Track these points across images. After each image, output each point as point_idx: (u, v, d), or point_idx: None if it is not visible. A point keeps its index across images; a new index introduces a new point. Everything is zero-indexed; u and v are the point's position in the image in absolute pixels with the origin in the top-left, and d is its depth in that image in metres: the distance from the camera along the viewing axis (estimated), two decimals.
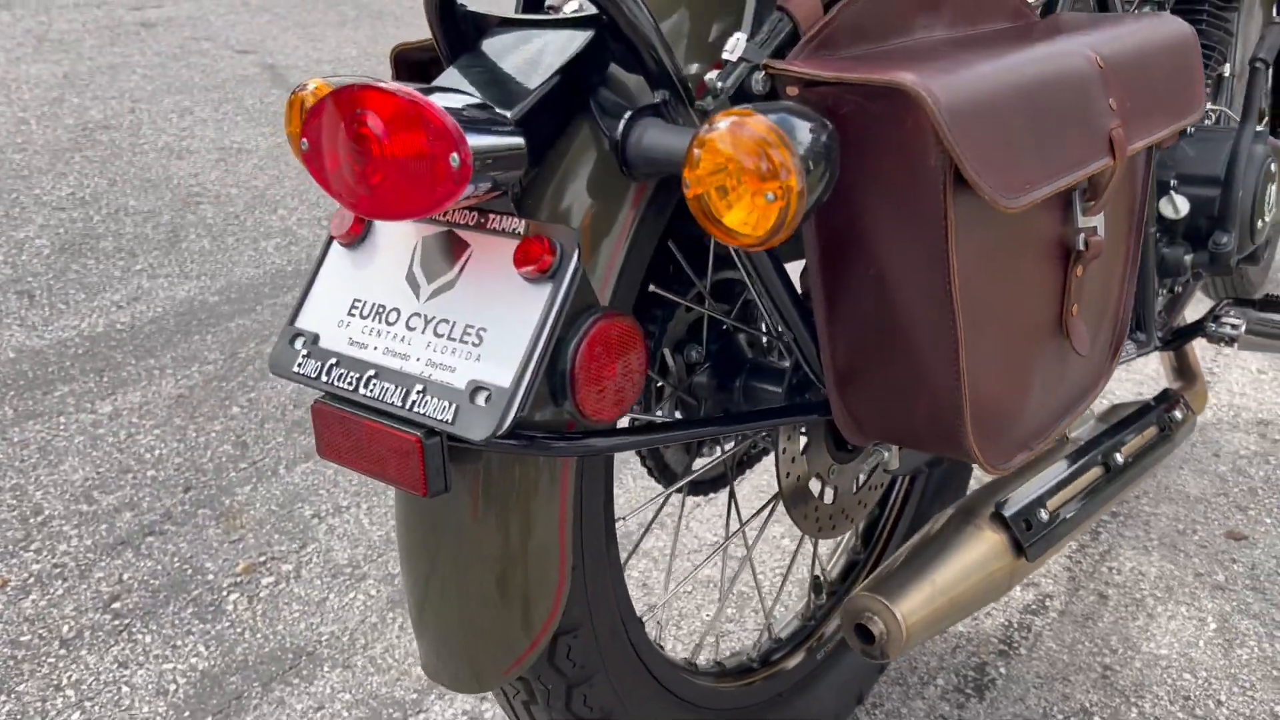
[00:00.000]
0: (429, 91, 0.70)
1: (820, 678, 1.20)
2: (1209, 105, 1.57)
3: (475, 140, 0.64)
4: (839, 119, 0.75)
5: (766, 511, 1.14)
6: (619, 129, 0.71)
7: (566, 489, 0.78)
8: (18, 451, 1.64)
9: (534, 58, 0.74)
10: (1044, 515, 1.09)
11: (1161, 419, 1.29)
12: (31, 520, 1.51)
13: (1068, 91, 0.81)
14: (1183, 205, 1.32)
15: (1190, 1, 1.61)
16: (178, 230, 2.39)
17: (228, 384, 1.84)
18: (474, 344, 0.69)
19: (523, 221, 0.70)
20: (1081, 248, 0.88)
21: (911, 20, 0.88)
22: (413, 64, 0.99)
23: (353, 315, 0.76)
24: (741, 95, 0.75)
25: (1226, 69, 1.68)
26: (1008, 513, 1.08)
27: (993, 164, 0.72)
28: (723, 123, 0.63)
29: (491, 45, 0.78)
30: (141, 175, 2.67)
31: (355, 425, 0.72)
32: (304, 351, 0.76)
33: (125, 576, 1.41)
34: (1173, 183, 1.34)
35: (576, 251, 0.67)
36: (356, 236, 0.78)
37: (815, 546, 1.26)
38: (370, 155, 0.67)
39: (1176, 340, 1.44)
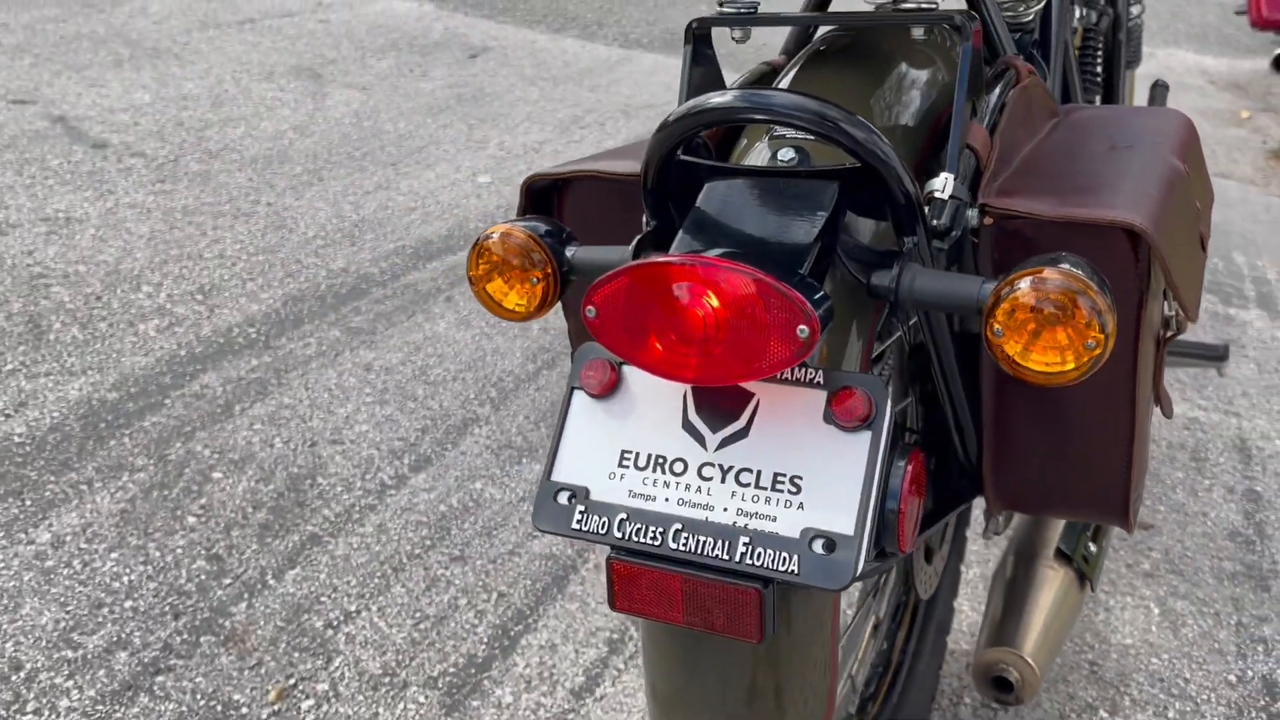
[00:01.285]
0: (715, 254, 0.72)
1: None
2: None
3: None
4: (1036, 248, 0.85)
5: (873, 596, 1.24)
6: (892, 276, 0.77)
7: (837, 606, 0.83)
8: None
9: (786, 211, 0.78)
10: (1092, 548, 1.24)
11: None
12: (14, 677, 1.36)
13: (1187, 201, 0.94)
14: None
15: (1084, 54, 1.83)
16: (36, 320, 2.17)
17: (170, 491, 1.71)
18: (790, 493, 0.73)
19: (818, 371, 0.74)
20: (1174, 329, 1.02)
21: (1022, 135, 0.99)
22: (539, 191, 1.01)
23: (625, 467, 0.77)
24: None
25: None
26: (1069, 550, 1.22)
27: (1183, 280, 0.83)
28: (1024, 282, 0.70)
29: (725, 197, 0.81)
30: None
31: (670, 580, 0.73)
32: (580, 507, 0.76)
33: None
34: None
35: (888, 400, 0.72)
36: (611, 388, 0.79)
37: (874, 596, 1.36)
38: (698, 327, 0.69)
39: None
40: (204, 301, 2.31)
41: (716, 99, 0.75)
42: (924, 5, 0.86)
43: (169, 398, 1.96)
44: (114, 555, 1.57)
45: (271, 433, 1.89)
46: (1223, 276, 3.04)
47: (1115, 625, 1.64)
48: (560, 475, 0.78)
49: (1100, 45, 1.84)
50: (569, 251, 0.89)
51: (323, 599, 1.53)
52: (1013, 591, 1.17)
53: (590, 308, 0.73)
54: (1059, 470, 0.94)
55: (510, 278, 0.88)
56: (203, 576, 1.55)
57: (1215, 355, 1.73)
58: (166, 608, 1.49)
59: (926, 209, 0.83)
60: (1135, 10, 2.19)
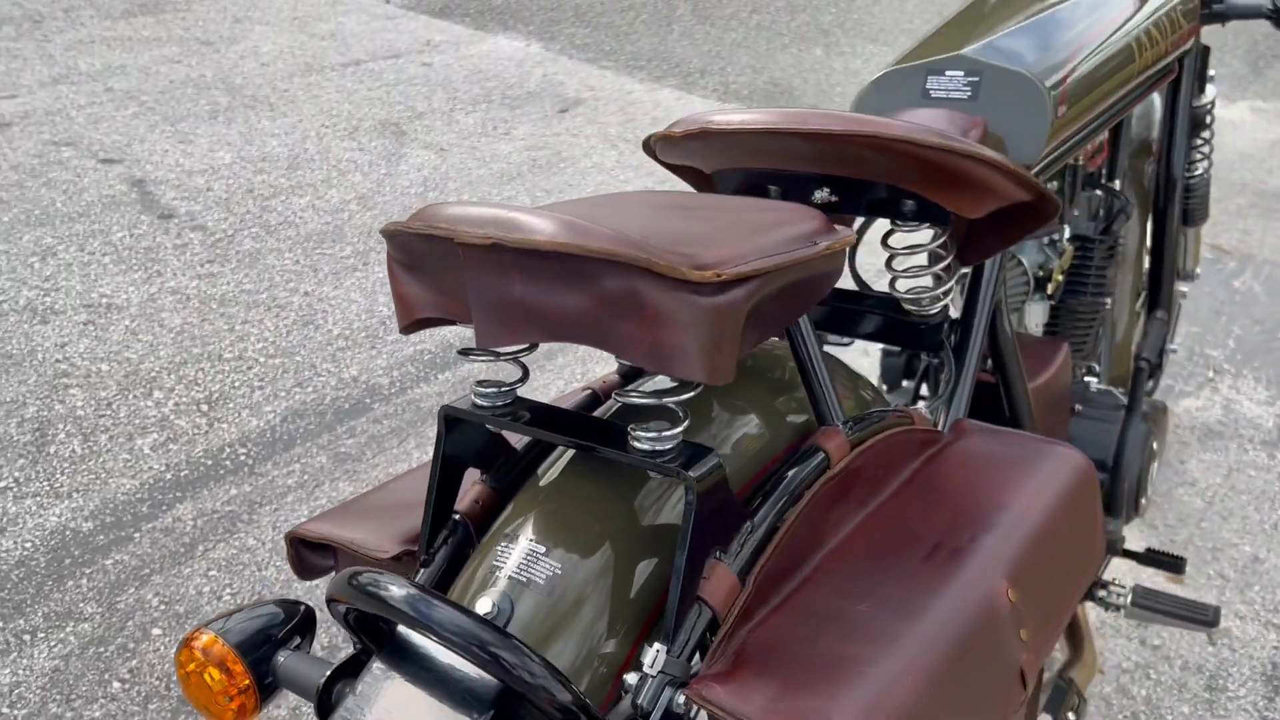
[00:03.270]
0: None
1: None
2: (1096, 383, 1.62)
3: None
4: None
5: None
6: None
7: None
8: None
9: (456, 691, 0.71)
10: None
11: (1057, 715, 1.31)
12: None
13: (983, 660, 0.81)
14: None
15: (1081, 271, 1.66)
16: (45, 428, 2.26)
17: (107, 649, 1.75)
18: None
19: None
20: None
21: (834, 521, 0.87)
22: (313, 546, 0.96)
23: None
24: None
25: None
26: None
27: None
28: None
29: (404, 656, 0.75)
30: (1, 349, 2.52)
31: None
32: None
33: None
34: None
35: None
36: None
37: None
38: None
39: None
40: (207, 413, 2.36)
41: (393, 589, 0.69)
42: (659, 446, 0.77)
43: (139, 531, 2.00)
44: None
45: (224, 582, 1.91)
46: None
47: None
48: None
49: (1106, 252, 1.66)
50: (280, 657, 0.84)
51: None
52: None
53: None
54: None
55: (214, 682, 0.84)
56: None
57: (1204, 620, 1.54)
58: None
59: (635, 678, 0.74)
60: (1200, 169, 1.96)
